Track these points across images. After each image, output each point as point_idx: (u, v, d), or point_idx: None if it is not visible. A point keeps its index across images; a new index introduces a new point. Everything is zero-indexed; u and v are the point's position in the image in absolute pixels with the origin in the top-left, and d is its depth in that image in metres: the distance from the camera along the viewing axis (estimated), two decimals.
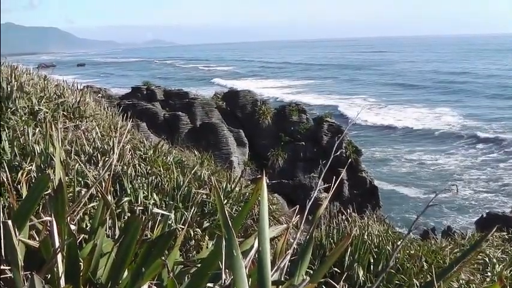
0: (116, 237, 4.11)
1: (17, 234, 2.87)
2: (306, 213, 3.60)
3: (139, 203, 7.36)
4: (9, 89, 11.19)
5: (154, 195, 7.74)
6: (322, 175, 4.08)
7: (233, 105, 52.12)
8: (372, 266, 7.88)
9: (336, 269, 7.37)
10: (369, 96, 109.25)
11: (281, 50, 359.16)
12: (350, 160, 43.66)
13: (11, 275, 2.80)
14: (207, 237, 7.05)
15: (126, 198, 6.99)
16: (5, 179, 6.63)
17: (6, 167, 6.04)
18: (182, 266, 3.42)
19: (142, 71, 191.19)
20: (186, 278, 3.27)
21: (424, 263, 8.23)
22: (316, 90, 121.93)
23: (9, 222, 2.73)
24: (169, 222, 4.86)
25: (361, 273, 7.51)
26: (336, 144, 4.88)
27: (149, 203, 7.48)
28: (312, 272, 4.85)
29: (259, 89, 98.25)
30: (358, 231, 8.48)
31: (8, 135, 8.62)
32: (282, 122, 50.00)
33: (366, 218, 10.02)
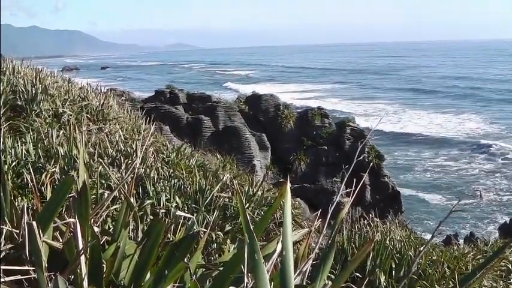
0: (139, 239, 4.13)
1: (41, 235, 2.89)
2: (328, 217, 3.59)
3: (161, 205, 7.39)
4: (33, 92, 11.27)
5: (177, 198, 7.76)
6: (345, 180, 4.07)
7: (256, 109, 52.07)
8: (393, 272, 7.83)
9: (357, 274, 7.34)
10: (390, 102, 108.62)
11: (299, 55, 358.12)
12: (372, 165, 43.46)
13: (35, 275, 2.82)
14: (228, 241, 7.06)
15: (148, 201, 7.02)
16: (29, 181, 6.70)
17: (30, 169, 6.10)
18: (204, 269, 3.43)
19: (159, 74, 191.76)
20: (208, 281, 3.27)
21: (446, 269, 8.18)
22: (336, 95, 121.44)
23: (34, 223, 2.76)
24: (192, 225, 4.88)
25: (382, 278, 7.48)
26: (358, 149, 4.86)
27: (171, 206, 7.50)
28: (333, 276, 4.84)
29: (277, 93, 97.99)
30: (380, 236, 8.45)
31: (32, 137, 8.69)
32: (305, 126, 49.88)
33: (388, 223, 9.99)
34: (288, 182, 2.66)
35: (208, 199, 8.03)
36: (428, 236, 11.99)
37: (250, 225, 2.36)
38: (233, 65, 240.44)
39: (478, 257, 9.35)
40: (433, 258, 8.53)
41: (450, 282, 7.79)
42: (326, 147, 48.41)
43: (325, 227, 3.67)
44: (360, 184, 3.69)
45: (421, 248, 7.67)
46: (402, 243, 8.43)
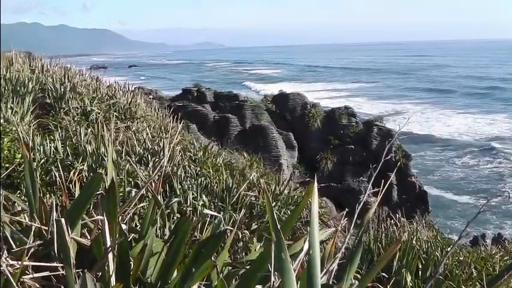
0: (166, 237, 4.15)
1: (70, 232, 2.91)
2: (355, 217, 3.58)
3: (188, 204, 7.41)
4: (62, 90, 11.36)
5: (204, 197, 7.77)
6: (372, 179, 4.05)
7: (283, 108, 52.06)
8: (420, 272, 7.79)
9: (383, 274, 7.30)
10: (417, 101, 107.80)
11: (325, 54, 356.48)
12: (399, 164, 43.28)
13: (63, 272, 2.84)
14: (255, 240, 7.05)
15: (175, 199, 7.03)
16: (58, 178, 6.75)
17: (59, 166, 6.14)
18: (231, 268, 3.43)
19: (183, 73, 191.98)
20: (235, 279, 3.27)
21: (473, 270, 8.12)
22: (363, 94, 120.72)
23: (63, 220, 2.77)
24: (218, 223, 4.88)
25: (409, 278, 7.43)
26: (386, 148, 4.84)
27: (198, 204, 7.51)
28: (359, 276, 4.83)
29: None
30: (406, 236, 8.40)
31: (60, 135, 8.76)
32: (332, 125, 49.82)
33: (414, 223, 9.93)
34: (315, 181, 2.65)
35: (235, 198, 8.04)
36: (455, 237, 11.90)
37: (277, 224, 2.36)
38: (258, 64, 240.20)
39: (506, 258, 9.27)
40: (460, 258, 8.47)
41: (477, 283, 7.73)
42: (353, 147, 48.35)
43: (351, 226, 3.66)
44: (387, 184, 3.67)
45: (448, 249, 7.62)
46: (429, 244, 8.38)
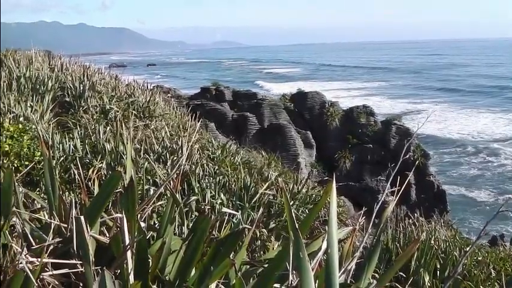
0: (184, 235, 4.16)
1: (89, 230, 2.92)
2: (373, 216, 3.57)
3: (206, 202, 7.42)
4: (81, 88, 11.42)
5: (222, 195, 7.79)
6: (391, 178, 4.04)
7: (301, 106, 52.01)
8: (438, 272, 7.76)
9: (401, 274, 7.28)
10: (436, 100, 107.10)
11: (340, 52, 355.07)
12: (417, 163, 43.13)
13: (82, 269, 2.86)
14: (273, 238, 7.06)
15: (193, 197, 7.05)
16: (77, 176, 6.79)
17: (78, 164, 6.17)
18: (249, 266, 3.43)
19: (199, 72, 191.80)
20: (253, 278, 3.28)
21: (492, 270, 8.07)
22: (380, 93, 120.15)
23: (82, 218, 2.79)
24: (236, 222, 4.89)
25: (427, 278, 7.41)
26: (405, 147, 4.82)
27: (216, 203, 7.53)
28: (377, 275, 4.82)
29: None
30: (425, 235, 8.37)
31: (79, 133, 8.82)
32: (350, 124, 49.72)
33: (433, 223, 9.89)
34: (334, 179, 2.65)
35: (253, 196, 8.05)
36: (473, 237, 11.83)
37: (296, 223, 2.36)
38: (274, 63, 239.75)
39: None
40: (479, 259, 8.42)
41: (496, 283, 7.69)
42: (371, 146, 48.24)
43: (369, 225, 3.66)
44: (405, 183, 3.66)
45: (467, 249, 7.59)
46: (447, 243, 8.35)
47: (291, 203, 8.10)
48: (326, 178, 40.49)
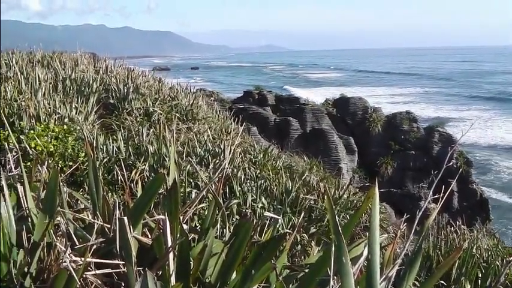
0: (225, 238, 4.17)
1: (132, 230, 2.94)
2: (415, 223, 3.54)
3: (247, 205, 7.44)
4: (125, 91, 11.53)
5: (263, 199, 7.79)
6: (434, 186, 4.00)
7: (343, 111, 51.84)
8: (479, 281, 7.66)
9: (442, 282, 7.21)
10: (481, 108, 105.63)
11: (380, 59, 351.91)
12: (460, 171, 42.67)
13: (124, 269, 2.88)
14: (313, 243, 7.04)
15: (235, 201, 7.07)
16: (121, 177, 6.86)
17: (122, 165, 6.24)
18: (290, 271, 3.43)
19: (241, 76, 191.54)
20: (293, 282, 3.27)
21: None
22: (422, 100, 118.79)
23: (125, 218, 2.81)
24: (278, 226, 4.89)
25: (468, 287, 7.32)
26: (448, 154, 4.77)
27: (257, 206, 7.54)
28: (417, 283, 4.77)
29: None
30: (466, 244, 8.28)
31: (123, 135, 8.90)
32: (393, 130, 49.36)
33: (475, 231, 9.78)
34: (376, 185, 2.63)
35: (294, 201, 8.04)
36: None
37: (339, 228, 2.35)
38: (319, 68, 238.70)
39: None
40: None
41: None
42: (414, 152, 47.80)
43: (411, 232, 3.63)
44: (448, 191, 3.62)
45: (510, 258, 7.48)
46: (489, 252, 8.24)
47: None
48: (368, 184, 40.26)
